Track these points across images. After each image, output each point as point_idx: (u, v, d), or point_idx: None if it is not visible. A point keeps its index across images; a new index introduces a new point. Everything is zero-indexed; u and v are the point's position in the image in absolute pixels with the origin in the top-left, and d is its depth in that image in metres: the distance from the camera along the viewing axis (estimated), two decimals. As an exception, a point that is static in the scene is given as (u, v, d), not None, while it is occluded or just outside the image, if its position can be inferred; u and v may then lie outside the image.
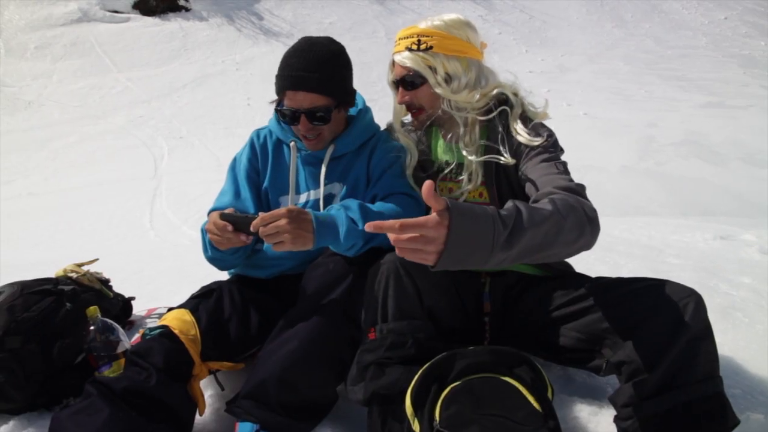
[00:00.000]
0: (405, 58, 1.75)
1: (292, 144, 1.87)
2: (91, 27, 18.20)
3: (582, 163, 9.94)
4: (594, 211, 1.42)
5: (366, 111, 1.98)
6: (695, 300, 1.35)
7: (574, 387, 1.80)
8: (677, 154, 10.74)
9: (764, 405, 1.69)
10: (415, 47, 1.73)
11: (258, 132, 1.99)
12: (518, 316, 1.69)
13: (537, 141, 1.65)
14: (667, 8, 25.61)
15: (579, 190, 1.51)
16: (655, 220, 5.83)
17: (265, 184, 1.91)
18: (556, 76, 17.72)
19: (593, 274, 1.71)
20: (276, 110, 1.84)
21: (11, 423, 1.69)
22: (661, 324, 1.34)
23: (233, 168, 1.97)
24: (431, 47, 1.72)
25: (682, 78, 17.27)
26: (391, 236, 1.13)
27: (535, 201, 1.50)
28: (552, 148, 1.67)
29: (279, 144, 1.94)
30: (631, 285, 1.47)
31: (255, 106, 14.51)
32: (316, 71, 1.73)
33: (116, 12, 19.10)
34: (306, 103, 1.75)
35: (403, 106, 1.85)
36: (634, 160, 10.42)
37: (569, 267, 1.78)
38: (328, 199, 1.85)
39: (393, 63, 1.83)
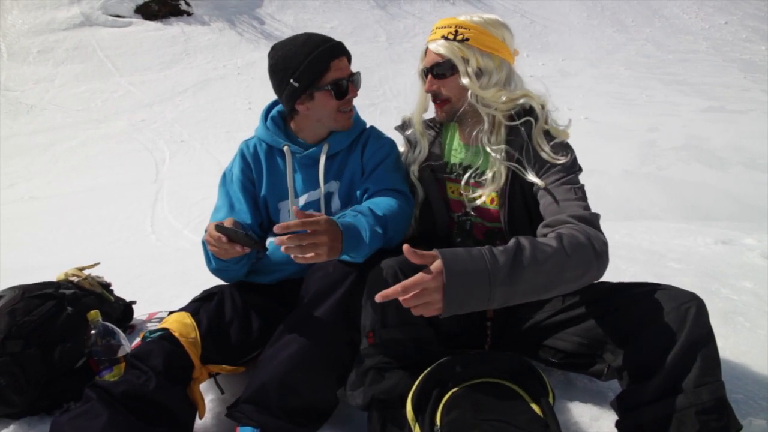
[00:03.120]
0: (440, 46, 1.74)
1: (285, 148, 1.86)
2: (94, 31, 18.27)
3: (583, 167, 9.94)
4: (604, 245, 1.43)
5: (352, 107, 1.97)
6: (696, 304, 1.34)
7: (576, 392, 1.80)
8: (678, 158, 10.74)
9: (766, 410, 1.69)
10: (451, 37, 1.72)
11: (246, 143, 1.97)
12: (520, 321, 1.68)
13: (560, 160, 1.64)
14: (667, 13, 25.66)
15: (592, 220, 1.51)
16: (657, 224, 5.82)
17: (263, 192, 1.90)
18: (557, 81, 17.75)
19: (594, 279, 1.70)
20: (333, 87, 1.76)
21: (11, 427, 1.69)
22: (663, 329, 1.33)
23: (224, 183, 1.94)
24: (467, 39, 1.71)
25: (683, 82, 17.30)
26: (401, 299, 1.21)
27: (549, 225, 1.53)
28: (571, 169, 1.65)
29: (270, 151, 1.92)
30: (633, 290, 1.47)
31: (256, 110, 14.49)
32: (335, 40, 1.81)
33: (118, 16, 19.18)
34: (348, 69, 1.81)
35: (428, 97, 1.84)
36: (635, 165, 10.43)
37: None
38: (327, 197, 1.86)
39: (426, 51, 1.81)
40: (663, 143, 11.64)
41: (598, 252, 1.40)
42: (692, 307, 1.34)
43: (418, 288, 1.20)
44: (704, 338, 1.31)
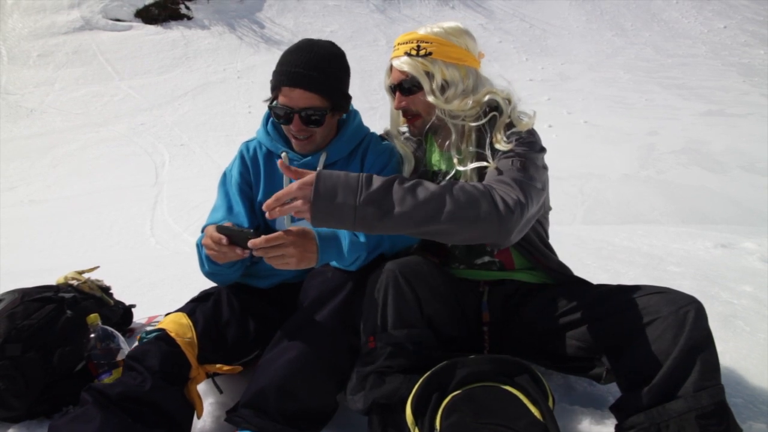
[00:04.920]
0: (403, 63, 1.73)
1: (283, 155, 1.84)
2: (94, 35, 18.31)
3: (582, 170, 9.97)
4: (513, 202, 1.41)
5: (355, 114, 1.94)
6: (696, 308, 1.34)
7: (575, 396, 1.80)
8: (678, 162, 10.76)
9: (766, 414, 1.69)
10: (414, 52, 1.72)
11: (247, 144, 1.95)
12: (518, 325, 1.68)
13: (508, 146, 1.61)
14: (666, 17, 25.74)
15: (507, 181, 1.49)
16: (656, 228, 5.83)
17: (259, 197, 1.88)
18: (556, 84, 17.78)
19: (594, 282, 1.70)
20: (269, 108, 1.80)
21: (10, 431, 1.68)
22: (662, 332, 1.33)
23: (224, 183, 1.93)
24: (430, 53, 1.70)
25: (682, 86, 17.34)
26: (276, 208, 1.33)
27: None
28: (521, 148, 1.61)
29: (270, 155, 1.90)
30: (632, 293, 1.47)
31: (256, 114, 14.56)
32: (314, 70, 1.70)
33: (118, 20, 19.22)
34: (301, 102, 1.70)
35: (400, 112, 1.83)
36: (634, 168, 10.44)
37: (568, 270, 1.77)
38: None
39: (391, 68, 1.81)
40: (662, 147, 11.66)
41: (495, 203, 1.39)
42: (691, 310, 1.34)
43: (291, 197, 1.32)
44: (703, 342, 1.31)
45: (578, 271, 1.79)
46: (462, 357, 1.41)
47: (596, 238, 4.69)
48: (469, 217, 1.37)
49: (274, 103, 1.75)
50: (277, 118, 1.78)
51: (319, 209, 1.31)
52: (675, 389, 1.28)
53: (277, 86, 1.74)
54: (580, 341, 1.52)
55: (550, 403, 1.34)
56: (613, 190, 9.31)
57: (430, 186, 1.38)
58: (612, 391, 1.74)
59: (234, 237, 1.51)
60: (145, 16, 19.64)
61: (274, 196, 1.34)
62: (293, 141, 1.81)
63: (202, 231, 1.76)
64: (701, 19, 25.47)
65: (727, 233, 4.80)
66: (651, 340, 1.34)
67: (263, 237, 1.44)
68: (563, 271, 1.74)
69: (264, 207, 1.35)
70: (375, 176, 1.37)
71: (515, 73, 17.74)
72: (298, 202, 1.32)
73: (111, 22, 19.01)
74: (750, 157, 10.53)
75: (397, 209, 1.33)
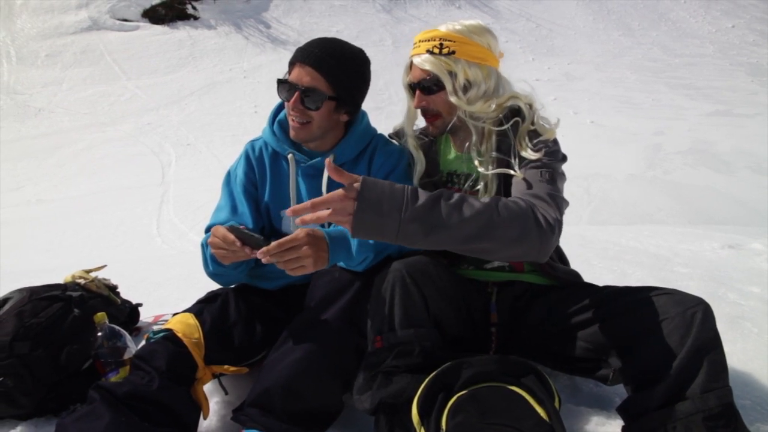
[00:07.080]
0: (425, 61, 1.69)
1: (290, 156, 1.82)
2: (101, 35, 18.44)
3: (589, 171, 9.95)
4: (553, 221, 1.42)
5: (363, 115, 1.92)
6: (703, 309, 1.34)
7: (582, 397, 1.79)
8: (684, 162, 10.73)
9: (774, 416, 1.68)
10: (436, 50, 1.68)
11: (252, 144, 1.93)
12: (526, 326, 1.68)
13: (536, 156, 1.62)
14: (674, 17, 25.62)
15: (545, 197, 1.49)
16: (663, 228, 5.81)
17: (265, 198, 1.87)
18: (562, 84, 17.74)
19: (600, 283, 1.70)
20: (278, 81, 1.76)
21: (19, 428, 1.69)
22: (669, 333, 1.33)
23: (228, 182, 1.92)
24: (453, 52, 1.67)
25: (690, 86, 17.27)
26: (310, 216, 1.27)
27: None
28: (547, 158, 1.62)
29: (276, 156, 1.88)
30: (639, 294, 1.46)
31: (262, 114, 14.60)
32: (331, 57, 1.70)
33: (125, 20, 19.34)
34: (307, 80, 1.68)
35: (418, 111, 1.80)
36: (641, 169, 10.42)
37: (578, 277, 1.77)
38: None
39: (411, 65, 1.77)
40: (669, 147, 11.63)
41: (539, 222, 1.40)
42: (698, 311, 1.33)
43: (329, 206, 1.27)
44: (711, 343, 1.31)
45: (584, 272, 1.79)
46: (468, 357, 1.41)
47: (602, 238, 4.68)
48: (513, 236, 1.37)
49: (284, 76, 1.75)
50: (281, 93, 1.76)
51: (362, 221, 1.28)
52: (682, 390, 1.28)
53: (292, 62, 1.74)
54: (588, 342, 1.52)
55: (557, 404, 1.34)
56: (619, 190, 9.30)
57: (475, 203, 1.36)
58: (618, 392, 1.73)
59: (245, 241, 1.50)
60: (152, 16, 19.76)
61: (310, 203, 1.27)
62: (291, 125, 1.77)
63: (206, 231, 1.76)
64: (709, 19, 25.35)
65: (734, 234, 4.78)
66: (658, 341, 1.33)
67: (276, 242, 1.42)
68: (571, 278, 1.74)
69: (289, 211, 1.30)
70: (420, 190, 1.34)
71: (521, 73, 17.67)
72: (338, 216, 1.28)
73: (118, 22, 19.14)
74: (757, 158, 10.49)
75: (443, 226, 1.31)
